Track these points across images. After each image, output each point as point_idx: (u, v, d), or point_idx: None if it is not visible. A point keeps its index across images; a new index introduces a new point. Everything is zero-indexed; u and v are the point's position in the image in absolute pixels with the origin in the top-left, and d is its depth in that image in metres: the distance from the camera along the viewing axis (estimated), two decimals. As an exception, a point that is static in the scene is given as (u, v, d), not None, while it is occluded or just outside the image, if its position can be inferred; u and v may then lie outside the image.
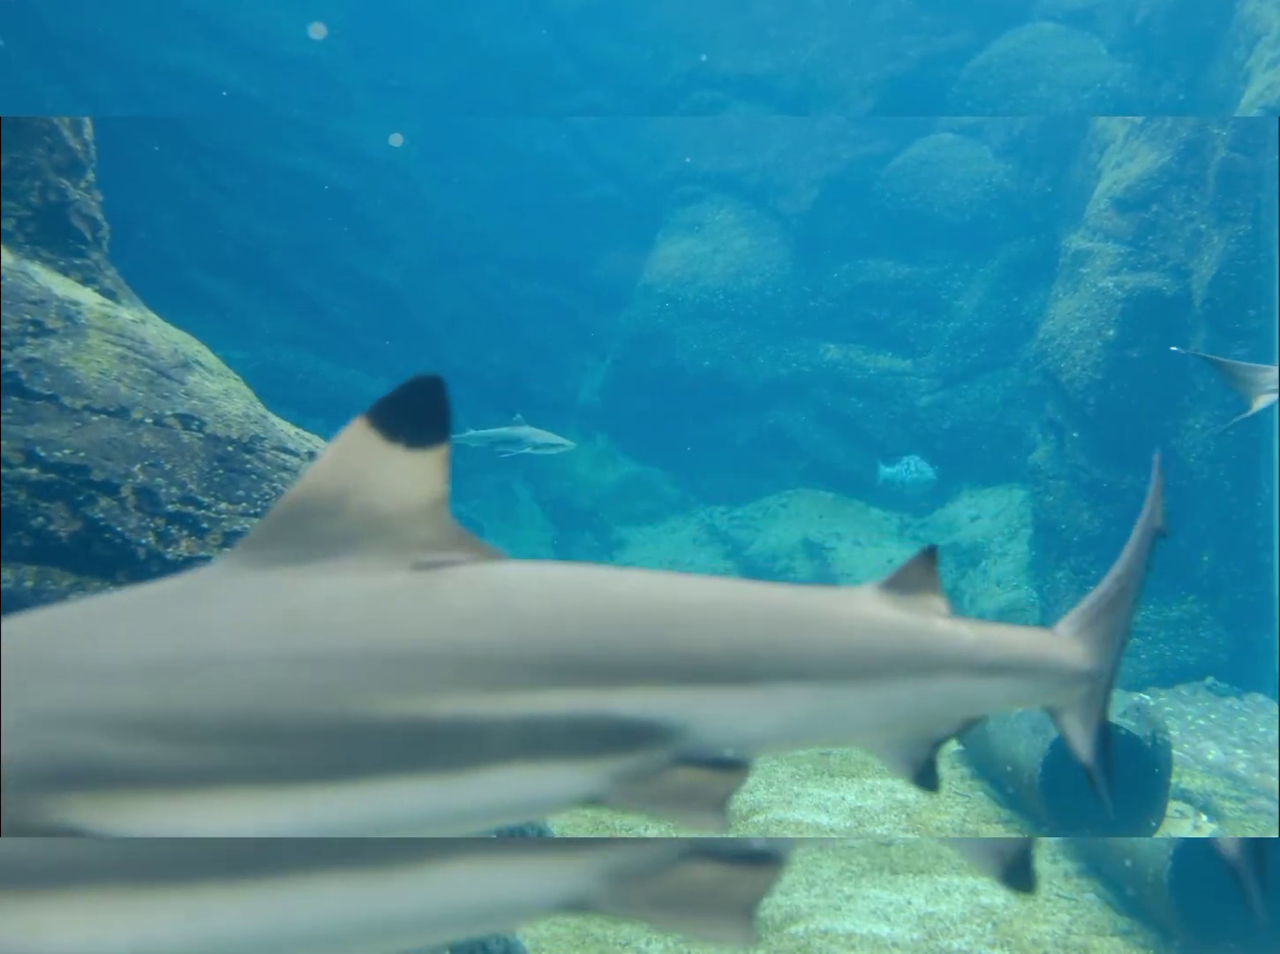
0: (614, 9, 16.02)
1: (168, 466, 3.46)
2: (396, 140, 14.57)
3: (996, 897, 5.80)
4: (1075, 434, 11.11)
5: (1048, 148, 13.98)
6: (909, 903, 5.75)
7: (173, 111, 13.57)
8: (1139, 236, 11.04)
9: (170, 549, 3.37)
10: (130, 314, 3.90)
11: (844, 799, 7.16)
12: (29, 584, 3.08)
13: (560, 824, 6.75)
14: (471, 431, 11.70)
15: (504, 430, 11.86)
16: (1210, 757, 7.92)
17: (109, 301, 3.90)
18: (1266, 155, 9.99)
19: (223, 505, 3.56)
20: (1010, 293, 14.34)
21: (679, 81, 16.14)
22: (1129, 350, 10.81)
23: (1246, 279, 10.18)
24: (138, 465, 3.39)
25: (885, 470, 13.58)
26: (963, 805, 7.16)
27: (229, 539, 3.49)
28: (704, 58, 15.66)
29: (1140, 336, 10.77)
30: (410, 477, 1.63)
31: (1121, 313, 10.83)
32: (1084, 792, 6.30)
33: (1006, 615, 11.70)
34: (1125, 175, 11.31)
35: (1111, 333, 10.87)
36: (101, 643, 1.39)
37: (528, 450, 11.66)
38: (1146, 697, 9.71)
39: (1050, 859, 6.25)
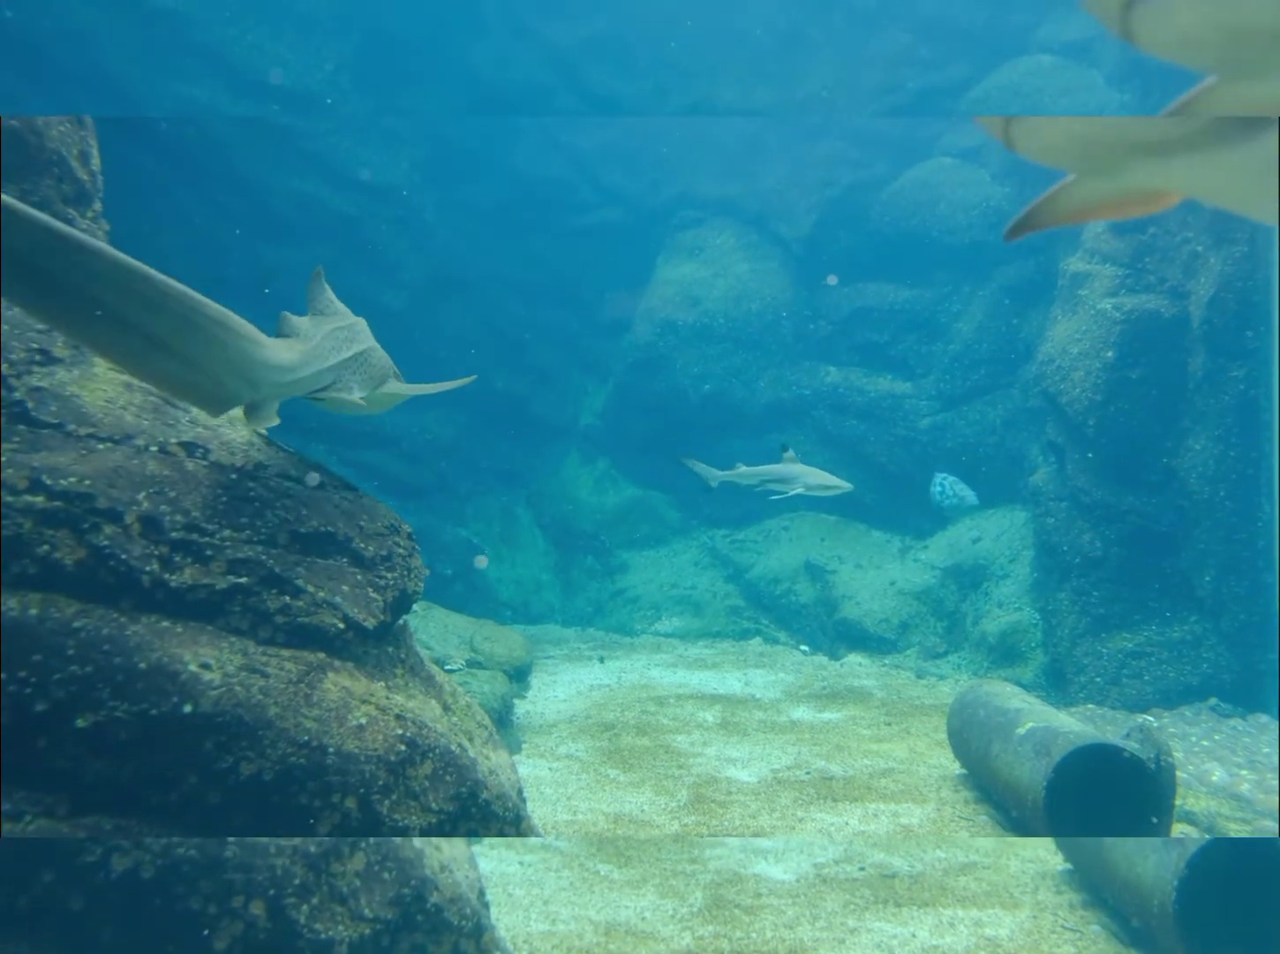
0: (615, 42, 16.16)
1: (172, 494, 3.48)
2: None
3: (1001, 929, 5.77)
4: (1089, 455, 11.10)
5: (1045, 170, 14.01)
6: (913, 935, 5.73)
7: (179, 143, 13.69)
8: (1136, 259, 11.11)
9: (174, 576, 3.39)
10: (135, 343, 3.93)
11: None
12: (34, 612, 3.10)
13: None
14: (743, 467, 10.57)
15: (773, 468, 10.46)
16: (1214, 778, 7.89)
17: (114, 330, 3.93)
18: (1262, 178, 10.05)
19: (226, 532, 3.57)
20: (1009, 315, 14.41)
21: (680, 113, 16.26)
22: (1128, 371, 10.85)
23: (1244, 300, 10.23)
24: (142, 493, 3.41)
25: (933, 489, 13.45)
26: (967, 830, 7.13)
27: (233, 566, 3.51)
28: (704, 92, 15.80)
29: (1139, 358, 10.82)
30: None
31: (1120, 334, 10.88)
32: (1087, 814, 6.27)
33: (1008, 637, 11.68)
34: (1122, 198, 11.38)
35: (1110, 354, 10.92)
36: None
37: (799, 490, 10.28)
38: (1150, 718, 9.69)
39: (1055, 890, 6.22)
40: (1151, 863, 5.15)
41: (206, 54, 14.10)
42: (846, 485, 10.32)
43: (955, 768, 8.24)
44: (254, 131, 14.32)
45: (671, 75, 16.14)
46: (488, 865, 6.28)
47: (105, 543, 3.26)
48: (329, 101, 14.81)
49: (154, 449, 3.53)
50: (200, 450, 3.66)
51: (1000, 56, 14.75)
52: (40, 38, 13.00)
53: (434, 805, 3.68)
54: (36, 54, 12.98)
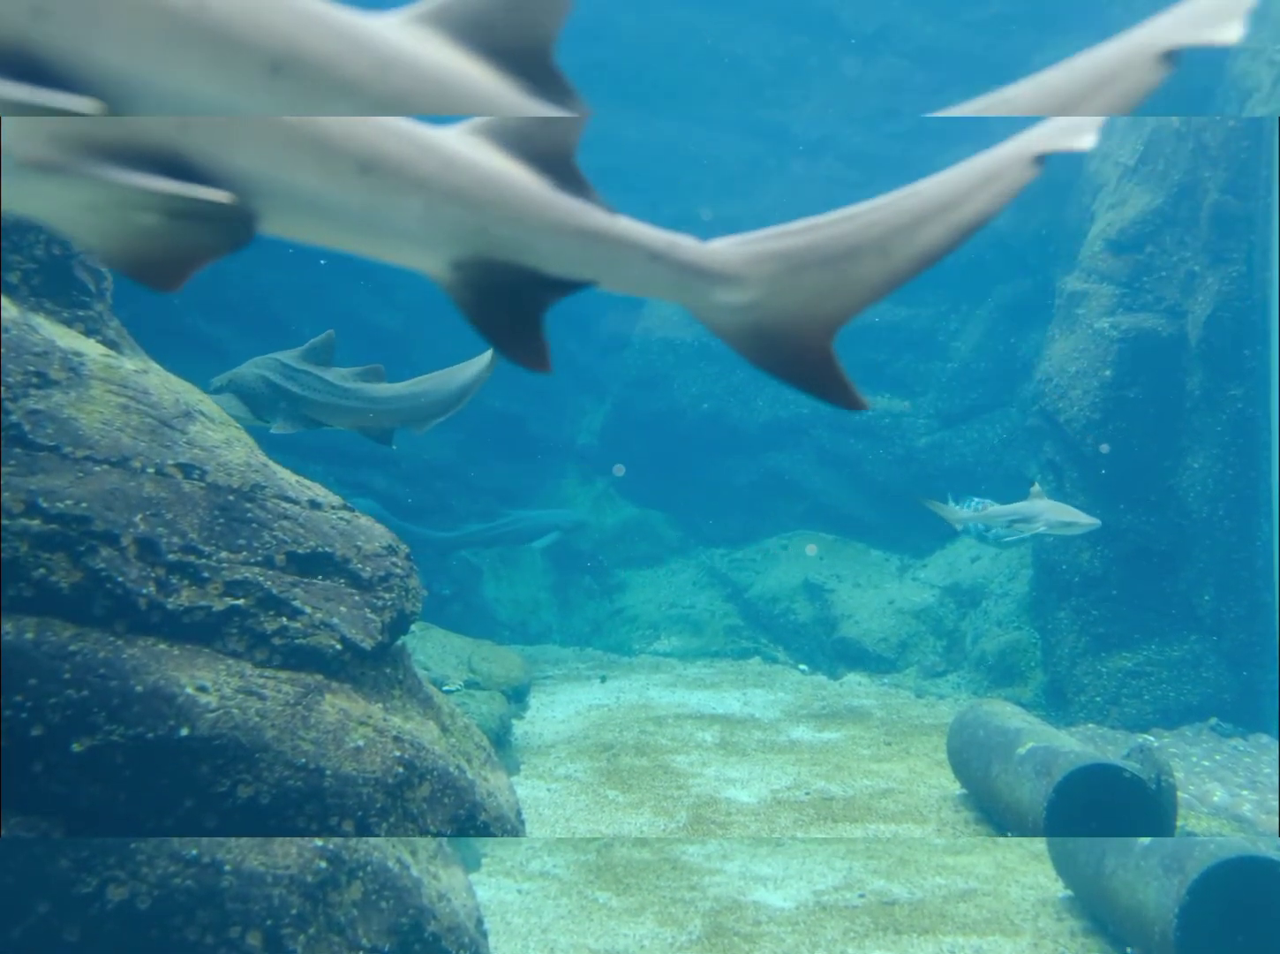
0: (610, 72, 16.19)
1: (169, 516, 3.47)
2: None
3: None
4: (1102, 471, 11.05)
5: (1041, 190, 14.13)
6: (914, 958, 5.68)
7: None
8: (1133, 278, 11.13)
9: (171, 599, 3.37)
10: (133, 364, 3.93)
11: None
12: (29, 636, 3.08)
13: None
14: (991, 505, 10.06)
15: (1018, 506, 9.88)
16: (1215, 799, 7.85)
17: (112, 352, 3.93)
18: (1257, 198, 10.10)
19: (224, 554, 3.56)
20: (1007, 334, 14.43)
21: (676, 134, 16.31)
22: (1126, 391, 10.85)
23: (1241, 319, 10.25)
24: (139, 515, 3.40)
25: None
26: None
27: (230, 588, 3.49)
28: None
29: (1137, 377, 10.82)
30: None
31: (1118, 353, 10.89)
32: (1086, 833, 6.21)
33: (1008, 656, 11.65)
34: (1119, 218, 11.43)
35: (1108, 373, 10.93)
36: None
37: (1040, 529, 9.60)
38: (1150, 738, 9.65)
39: (1056, 918, 6.17)
40: (1153, 889, 5.11)
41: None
42: (1093, 521, 9.55)
43: (956, 788, 8.19)
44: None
45: (669, 102, 16.20)
46: (485, 894, 6.23)
47: (101, 566, 3.24)
48: None
49: (151, 471, 3.52)
50: (197, 472, 3.65)
51: (996, 83, 14.74)
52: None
53: (432, 828, 3.65)
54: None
